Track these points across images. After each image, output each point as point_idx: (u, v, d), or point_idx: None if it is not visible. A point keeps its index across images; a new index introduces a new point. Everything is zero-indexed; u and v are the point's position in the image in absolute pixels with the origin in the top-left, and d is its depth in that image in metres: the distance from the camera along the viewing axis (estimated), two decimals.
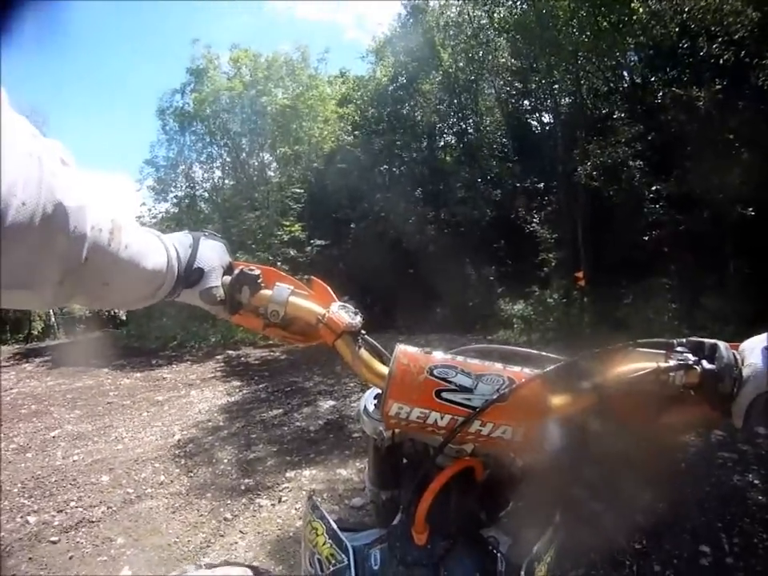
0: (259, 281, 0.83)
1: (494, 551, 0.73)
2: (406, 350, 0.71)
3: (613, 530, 2.86)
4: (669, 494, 3.01)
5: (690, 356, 0.68)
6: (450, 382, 0.67)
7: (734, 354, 0.67)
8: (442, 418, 0.67)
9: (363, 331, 0.82)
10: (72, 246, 0.53)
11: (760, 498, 3.31)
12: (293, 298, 0.82)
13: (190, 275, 0.79)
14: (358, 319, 0.81)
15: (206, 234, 0.86)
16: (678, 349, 0.71)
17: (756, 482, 3.49)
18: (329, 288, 0.86)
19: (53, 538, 3.38)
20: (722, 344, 0.68)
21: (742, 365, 0.67)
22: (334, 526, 0.76)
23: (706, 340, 0.70)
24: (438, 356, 0.71)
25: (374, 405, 0.79)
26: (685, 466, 3.68)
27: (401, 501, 0.82)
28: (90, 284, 0.60)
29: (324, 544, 0.75)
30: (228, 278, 0.83)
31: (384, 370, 0.76)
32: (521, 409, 0.67)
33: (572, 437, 0.70)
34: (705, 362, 0.67)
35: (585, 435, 0.73)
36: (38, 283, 0.52)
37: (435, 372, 0.68)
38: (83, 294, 0.61)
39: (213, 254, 0.84)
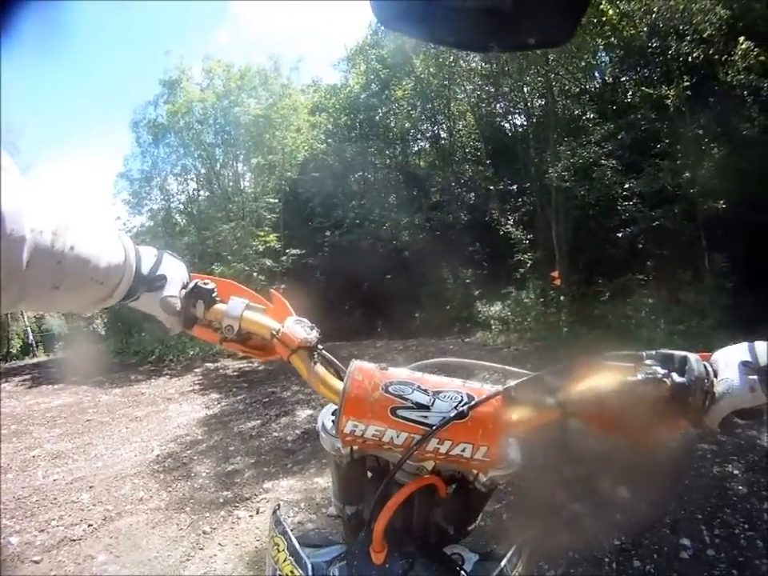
0: (214, 294, 0.84)
1: (458, 569, 0.71)
2: (360, 366, 0.70)
3: (591, 527, 2.86)
4: (648, 488, 3.01)
5: (659, 369, 0.67)
6: (406, 399, 0.66)
7: (705, 365, 0.67)
8: (398, 436, 0.66)
9: (320, 346, 0.82)
10: (10, 250, 0.52)
11: (740, 488, 3.34)
12: (247, 313, 0.82)
13: (154, 280, 0.80)
14: (314, 334, 0.81)
15: (169, 253, 0.87)
16: (647, 362, 0.69)
17: (735, 472, 3.53)
18: (286, 302, 0.87)
19: (35, 558, 3.36)
20: (692, 356, 0.67)
21: (715, 377, 0.66)
22: (295, 542, 0.75)
23: (675, 352, 0.69)
24: (394, 372, 0.70)
25: (332, 421, 0.77)
26: (663, 458, 3.70)
27: (365, 516, 0.80)
28: (36, 288, 0.59)
29: (285, 561, 0.74)
30: (184, 292, 0.83)
31: (340, 385, 0.74)
32: (481, 426, 0.65)
33: (550, 437, 0.68)
34: (675, 375, 0.66)
35: (562, 433, 0.71)
36: None
37: (390, 389, 0.67)
38: (31, 298, 0.61)
39: (176, 266, 0.85)
